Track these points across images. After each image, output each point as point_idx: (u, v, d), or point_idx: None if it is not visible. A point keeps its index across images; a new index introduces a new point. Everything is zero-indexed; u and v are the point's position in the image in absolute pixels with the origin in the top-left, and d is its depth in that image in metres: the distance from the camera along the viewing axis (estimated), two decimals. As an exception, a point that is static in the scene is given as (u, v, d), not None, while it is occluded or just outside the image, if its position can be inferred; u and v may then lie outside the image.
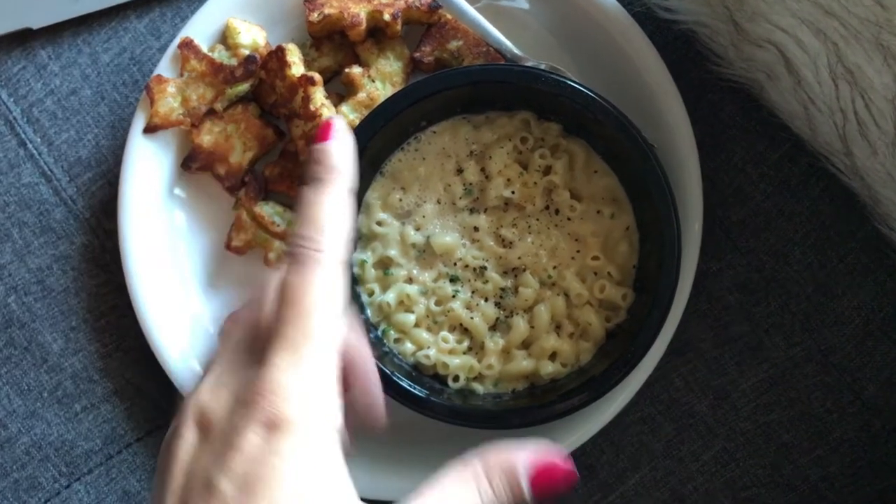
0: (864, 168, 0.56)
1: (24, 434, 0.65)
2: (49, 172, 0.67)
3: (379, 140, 0.60)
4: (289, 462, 0.37)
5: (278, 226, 0.63)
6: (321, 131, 0.42)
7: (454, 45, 0.64)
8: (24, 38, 0.67)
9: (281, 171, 0.64)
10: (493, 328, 0.61)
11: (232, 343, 0.43)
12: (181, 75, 0.63)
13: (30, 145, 0.67)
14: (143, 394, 0.66)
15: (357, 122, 0.62)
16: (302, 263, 0.40)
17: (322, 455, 0.38)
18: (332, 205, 0.41)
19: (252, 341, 0.42)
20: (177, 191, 0.65)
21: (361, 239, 0.62)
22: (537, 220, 0.62)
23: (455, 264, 0.61)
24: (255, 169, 0.65)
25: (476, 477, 0.41)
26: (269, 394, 0.38)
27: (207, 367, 0.43)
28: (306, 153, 0.62)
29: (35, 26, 0.67)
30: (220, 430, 0.38)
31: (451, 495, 0.40)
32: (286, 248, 0.42)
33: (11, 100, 0.67)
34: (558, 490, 0.40)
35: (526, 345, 0.61)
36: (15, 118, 0.67)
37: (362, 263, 0.62)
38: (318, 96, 0.62)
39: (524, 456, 0.41)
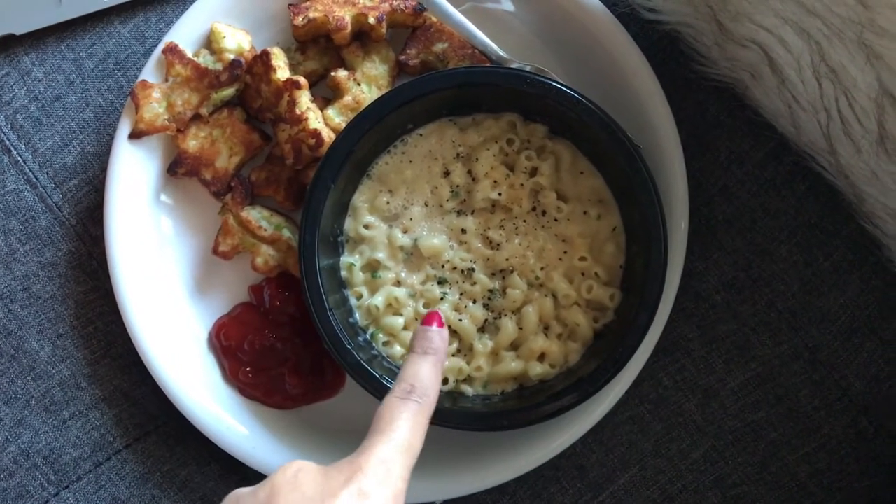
0: (849, 166, 0.56)
1: (12, 442, 0.65)
2: (34, 179, 0.66)
3: (365, 143, 0.60)
4: None
5: (265, 230, 0.63)
6: (428, 318, 0.55)
7: (439, 47, 0.64)
8: (7, 45, 0.67)
9: (267, 176, 0.64)
10: (482, 330, 0.61)
11: None
12: (166, 80, 0.63)
13: (14, 152, 0.66)
14: (132, 400, 0.66)
15: (343, 125, 0.61)
16: (402, 398, 0.50)
17: None
18: (432, 370, 0.53)
19: None
20: (163, 196, 0.64)
21: (349, 242, 0.62)
22: (524, 221, 0.62)
23: (443, 266, 0.61)
24: (242, 174, 0.64)
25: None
26: (365, 471, 0.46)
27: None
28: (292, 156, 0.62)
29: (18, 32, 0.66)
30: (315, 487, 0.45)
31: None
32: (392, 391, 0.52)
33: (-5, 106, 0.67)
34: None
35: (514, 346, 0.61)
36: (-1, 125, 0.67)
37: (350, 267, 0.62)
38: (304, 100, 0.62)
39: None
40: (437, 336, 0.54)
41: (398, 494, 0.47)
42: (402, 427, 0.49)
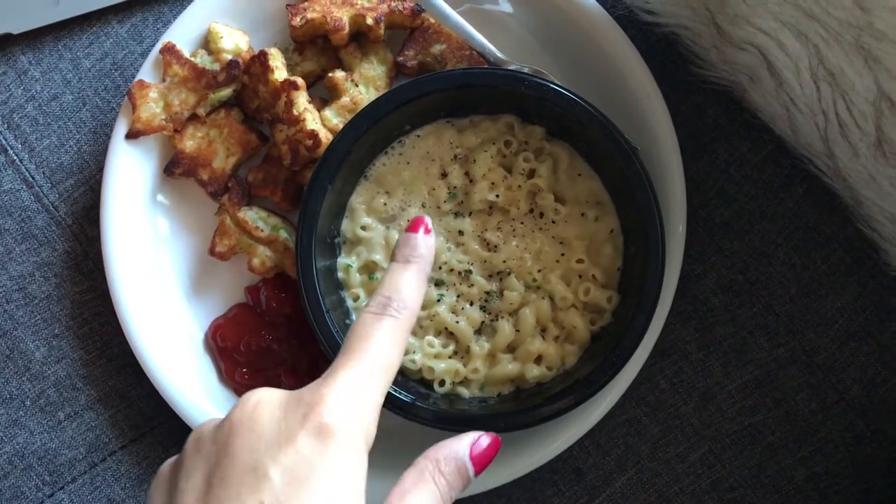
0: (846, 169, 0.56)
1: (7, 443, 0.65)
2: (30, 179, 0.66)
3: (363, 144, 0.60)
4: (330, 467, 0.42)
5: (262, 231, 0.63)
6: (413, 224, 0.52)
7: (437, 48, 0.64)
8: (4, 44, 0.67)
9: (264, 176, 0.64)
10: (479, 332, 0.61)
11: None
12: (163, 80, 0.63)
13: (10, 151, 0.66)
14: (128, 401, 0.65)
15: (340, 126, 0.61)
16: (377, 314, 0.47)
17: (356, 466, 0.43)
18: (413, 279, 0.50)
19: None
20: (160, 196, 0.64)
21: (346, 243, 0.62)
22: (522, 223, 0.62)
23: (440, 268, 0.61)
24: (239, 174, 0.64)
25: (430, 472, 0.47)
26: (327, 403, 0.43)
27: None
28: (289, 157, 0.62)
29: (15, 31, 0.66)
30: (272, 425, 0.42)
31: (413, 494, 0.46)
32: (367, 304, 0.48)
33: (-8, 106, 0.66)
34: (491, 457, 0.50)
35: (511, 348, 0.61)
36: (-5, 124, 0.66)
37: (347, 268, 0.62)
38: (301, 101, 0.61)
39: (463, 443, 0.49)
40: (423, 243, 0.51)
41: (368, 425, 0.43)
42: (375, 346, 0.45)
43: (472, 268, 0.61)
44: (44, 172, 0.66)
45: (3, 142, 0.66)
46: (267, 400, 0.43)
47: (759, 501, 0.64)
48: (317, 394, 0.43)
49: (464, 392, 0.61)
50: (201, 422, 0.61)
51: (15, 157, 0.66)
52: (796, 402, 0.64)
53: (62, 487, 0.65)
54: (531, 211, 0.62)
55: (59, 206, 0.66)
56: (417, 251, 0.51)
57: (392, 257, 0.51)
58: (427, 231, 0.51)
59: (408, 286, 0.49)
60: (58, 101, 0.67)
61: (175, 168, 0.63)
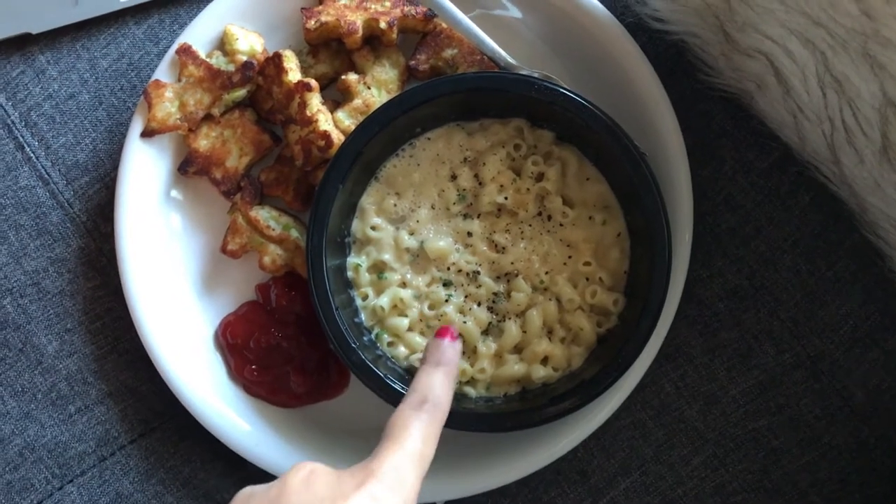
0: (852, 176, 0.57)
1: (18, 435, 0.65)
2: (46, 176, 0.67)
3: (374, 146, 0.61)
4: None
5: (273, 230, 0.63)
6: (443, 330, 0.56)
7: (449, 53, 0.65)
8: (23, 43, 0.68)
9: (277, 176, 0.65)
10: (486, 332, 0.62)
11: None
12: (179, 80, 0.64)
13: (27, 148, 0.67)
14: (138, 396, 0.66)
15: (353, 127, 0.62)
16: (414, 409, 0.51)
17: None
18: (444, 382, 0.53)
19: None
20: (173, 194, 0.65)
21: (356, 243, 0.63)
22: (530, 225, 0.62)
23: (448, 269, 0.62)
24: (251, 174, 0.65)
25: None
26: (378, 476, 0.46)
27: None
28: (301, 157, 0.63)
29: (35, 31, 0.67)
30: (327, 489, 0.46)
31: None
32: (404, 401, 0.52)
33: (10, 104, 0.68)
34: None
35: (518, 349, 0.62)
36: (13, 122, 0.67)
37: (356, 267, 0.62)
38: (315, 102, 0.62)
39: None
40: (451, 349, 0.55)
41: (412, 500, 0.47)
42: (415, 436, 0.49)
43: (480, 269, 0.62)
44: (59, 170, 0.67)
45: (21, 139, 0.67)
46: (320, 470, 0.47)
47: (763, 506, 0.64)
48: (368, 468, 0.47)
49: (470, 391, 0.61)
50: (210, 418, 0.63)
51: (31, 155, 0.67)
52: (800, 408, 0.64)
53: (71, 480, 0.65)
54: (539, 214, 0.62)
55: (73, 203, 0.67)
56: (447, 356, 0.54)
57: (423, 360, 0.55)
58: (453, 338, 0.55)
59: (440, 387, 0.52)
60: (75, 100, 0.68)
61: (189, 167, 0.64)
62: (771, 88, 0.59)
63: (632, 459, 0.65)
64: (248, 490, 0.47)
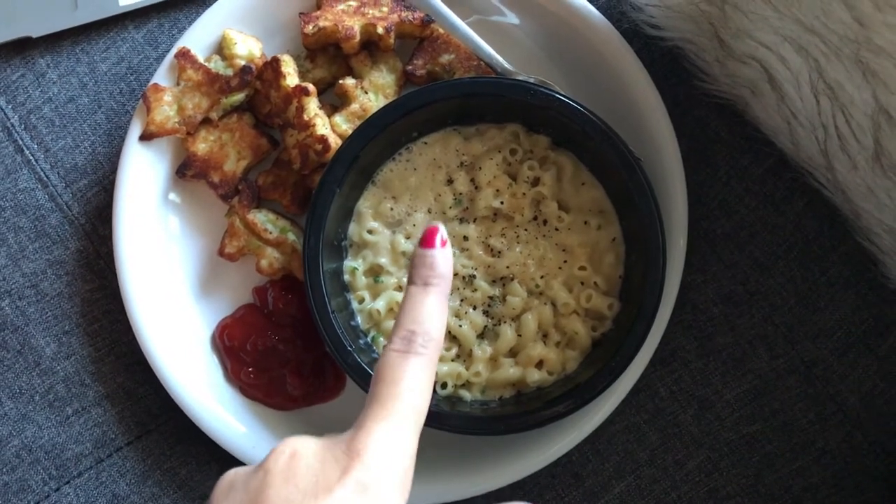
0: (845, 182, 0.57)
1: (15, 437, 0.66)
2: (45, 178, 0.68)
3: (371, 150, 0.61)
4: None
5: (271, 233, 0.64)
6: (428, 238, 0.47)
7: (446, 58, 0.65)
8: (23, 47, 0.68)
9: (274, 180, 0.65)
10: (481, 336, 0.62)
11: None
12: (178, 84, 0.64)
13: (27, 151, 0.68)
14: (135, 398, 0.66)
15: (350, 132, 0.63)
16: (402, 351, 0.45)
17: None
18: (435, 306, 0.46)
19: None
20: (171, 197, 0.66)
21: (352, 247, 0.63)
22: (525, 230, 0.63)
23: (444, 273, 0.62)
24: (249, 177, 0.66)
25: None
26: (363, 459, 0.42)
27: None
28: (299, 161, 0.63)
29: (35, 35, 0.68)
30: (309, 478, 0.42)
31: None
32: (390, 340, 0.46)
33: (10, 106, 0.68)
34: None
35: (513, 353, 0.62)
36: (13, 125, 0.68)
37: (353, 271, 0.63)
38: (312, 107, 0.63)
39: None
40: (441, 260, 0.47)
41: (405, 474, 0.43)
42: (405, 390, 0.44)
43: (475, 273, 0.62)
44: (58, 172, 0.68)
45: (20, 142, 0.68)
46: (303, 451, 0.43)
47: (756, 510, 0.65)
48: (354, 448, 0.43)
49: (465, 395, 0.62)
50: (207, 420, 0.63)
51: (31, 157, 0.68)
52: (794, 413, 0.65)
53: (68, 482, 0.66)
54: (535, 218, 0.63)
55: (72, 206, 0.67)
56: (436, 270, 0.47)
57: (409, 279, 0.47)
58: (444, 244, 0.48)
59: (430, 315, 0.46)
60: (74, 104, 0.68)
61: (187, 170, 0.64)
62: (765, 95, 0.59)
63: (626, 463, 0.65)
64: (230, 478, 0.44)
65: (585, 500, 0.65)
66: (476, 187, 0.63)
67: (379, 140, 0.61)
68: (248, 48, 0.64)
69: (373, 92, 0.65)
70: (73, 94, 0.68)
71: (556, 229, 0.62)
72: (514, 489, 0.65)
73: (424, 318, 0.46)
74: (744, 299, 0.65)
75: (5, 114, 0.68)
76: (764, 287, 0.65)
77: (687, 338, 0.65)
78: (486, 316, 0.62)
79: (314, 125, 0.62)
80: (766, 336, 0.65)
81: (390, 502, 0.42)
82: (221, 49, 0.65)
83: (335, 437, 0.44)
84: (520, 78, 0.63)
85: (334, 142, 0.63)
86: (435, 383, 0.61)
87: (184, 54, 0.64)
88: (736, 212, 0.65)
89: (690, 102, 0.65)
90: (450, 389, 0.61)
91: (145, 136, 0.64)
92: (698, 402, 0.65)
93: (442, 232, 0.48)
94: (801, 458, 0.64)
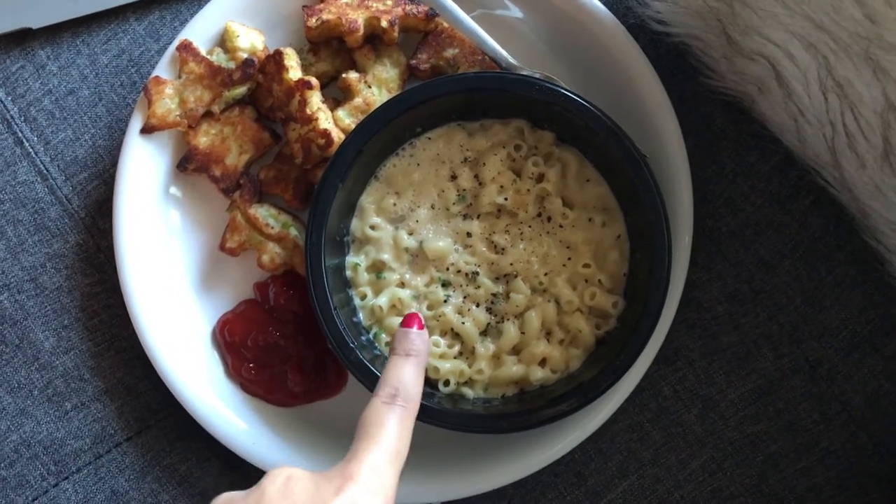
0: (853, 180, 0.57)
1: (14, 432, 0.65)
2: (45, 171, 0.67)
3: (374, 145, 0.60)
4: None
5: (272, 228, 0.63)
6: (408, 320, 0.56)
7: (450, 52, 0.64)
8: (23, 38, 0.68)
9: (276, 174, 0.65)
10: (484, 333, 0.62)
11: None
12: (179, 77, 0.64)
13: (26, 144, 0.67)
14: (134, 393, 0.66)
15: (353, 126, 0.62)
16: (387, 403, 0.51)
17: None
18: (414, 372, 0.53)
19: None
20: (172, 191, 0.65)
21: (355, 242, 0.63)
22: (529, 226, 0.62)
23: (447, 269, 0.62)
24: (251, 171, 0.65)
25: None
26: (357, 479, 0.46)
27: None
28: (301, 155, 0.63)
29: (35, 26, 0.67)
30: (305, 497, 0.45)
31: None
32: (377, 390, 0.52)
33: (9, 98, 0.67)
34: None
35: (516, 350, 0.61)
36: (12, 116, 0.67)
37: (355, 267, 0.62)
38: (315, 100, 0.62)
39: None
40: (418, 338, 0.55)
41: (390, 500, 0.47)
42: (390, 433, 0.49)
43: (479, 270, 0.62)
44: (58, 165, 0.67)
45: (20, 134, 0.67)
46: (297, 475, 0.46)
47: (760, 510, 0.64)
48: (346, 472, 0.46)
49: (468, 392, 0.61)
50: (207, 416, 0.62)
51: (30, 150, 0.67)
52: (799, 413, 0.64)
53: (67, 477, 0.65)
54: (539, 215, 0.62)
55: (72, 199, 0.67)
56: (415, 346, 0.54)
57: (391, 350, 0.55)
58: (420, 327, 0.56)
59: (410, 379, 0.52)
60: (74, 96, 0.67)
61: (188, 164, 0.64)
62: (772, 92, 0.58)
63: (629, 462, 0.65)
64: (226, 498, 0.46)
65: (588, 499, 0.65)
66: (480, 183, 0.62)
67: (382, 135, 0.60)
68: (251, 41, 0.64)
69: (376, 86, 0.64)
70: (73, 87, 0.67)
71: (561, 226, 0.62)
72: (516, 487, 0.65)
73: (406, 380, 0.52)
74: (749, 298, 0.64)
75: (5, 106, 0.67)
76: (769, 286, 0.64)
77: (691, 336, 0.65)
78: (490, 313, 0.62)
79: (317, 119, 0.62)
80: (771, 335, 0.64)
81: None
82: (224, 42, 0.64)
83: (329, 470, 0.48)
84: (524, 73, 0.63)
85: (337, 136, 0.62)
86: (437, 381, 0.61)
87: (186, 47, 0.63)
88: (741, 210, 0.65)
89: (696, 99, 0.65)
90: (452, 387, 0.61)
91: (146, 130, 0.63)
92: (702, 402, 0.65)
93: (420, 318, 0.56)
94: (805, 459, 0.64)
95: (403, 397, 0.51)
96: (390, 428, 0.49)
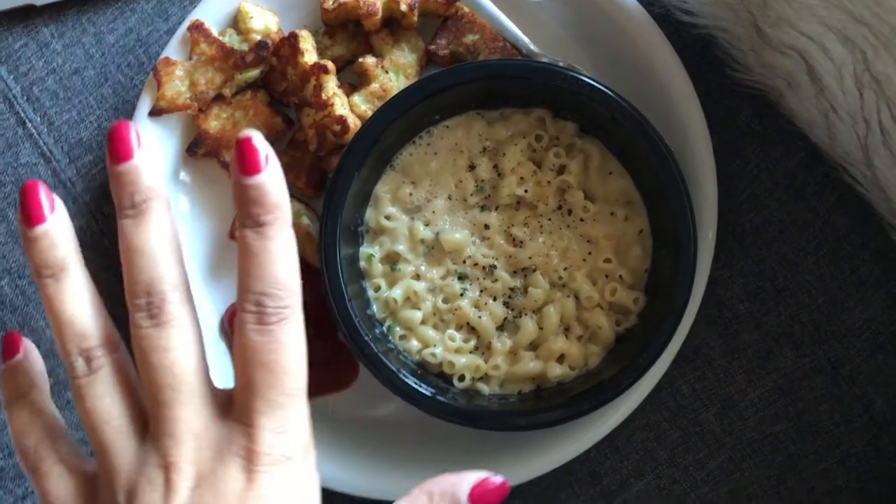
0: (885, 179, 0.55)
1: (13, 421, 0.63)
2: (48, 153, 0.65)
3: (391, 133, 0.59)
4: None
5: (284, 216, 0.61)
6: (245, 158, 0.39)
7: (470, 38, 0.63)
8: (26, 15, 0.65)
9: (289, 161, 0.63)
10: (501, 328, 0.60)
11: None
12: (190, 59, 0.62)
13: (29, 124, 0.65)
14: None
15: (369, 113, 0.60)
16: (266, 324, 0.41)
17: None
18: (282, 251, 0.41)
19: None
20: (181, 177, 0.63)
21: (369, 233, 0.61)
22: (549, 219, 0.60)
23: (464, 262, 0.60)
24: (262, 157, 0.63)
25: None
26: (265, 457, 0.41)
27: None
28: (315, 142, 0.61)
29: (38, 3, 0.65)
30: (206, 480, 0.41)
31: None
32: (241, 307, 0.42)
33: (11, 77, 0.65)
34: (493, 501, 0.45)
35: (534, 346, 0.60)
36: (14, 96, 0.65)
37: (369, 258, 0.61)
38: (331, 85, 0.60)
39: (464, 482, 0.45)
40: (271, 185, 0.41)
41: (302, 443, 0.44)
42: (280, 369, 0.43)
43: (496, 263, 0.60)
44: (62, 147, 0.65)
45: (22, 114, 0.65)
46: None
47: (778, 512, 0.63)
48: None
49: (483, 388, 0.60)
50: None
51: (33, 131, 0.65)
52: (819, 414, 0.63)
53: (68, 469, 0.63)
54: (559, 208, 0.61)
55: (76, 183, 0.65)
56: (268, 202, 0.41)
57: (241, 224, 0.43)
58: (268, 160, 0.41)
59: (276, 265, 0.43)
60: (79, 76, 0.65)
61: (198, 148, 0.62)
62: (802, 87, 0.57)
63: (645, 462, 0.64)
64: None
65: (602, 499, 0.64)
66: (499, 174, 0.61)
67: (399, 123, 0.58)
68: (265, 22, 0.62)
69: (393, 71, 0.62)
70: (78, 66, 0.65)
71: (581, 220, 0.60)
72: (529, 486, 0.63)
73: (271, 273, 0.41)
74: (771, 296, 0.63)
75: (7, 84, 0.65)
76: (792, 284, 0.63)
77: (711, 335, 0.63)
78: (507, 308, 0.60)
79: (332, 105, 0.60)
80: (793, 334, 0.63)
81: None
82: (236, 23, 0.62)
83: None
84: (546, 61, 0.61)
85: (353, 122, 0.60)
86: (452, 376, 0.59)
87: (197, 27, 0.61)
88: (765, 206, 0.63)
89: (721, 92, 0.63)
90: (467, 382, 0.59)
91: (155, 112, 0.61)
92: (721, 401, 0.63)
93: (261, 144, 0.40)
94: (825, 461, 0.63)
95: (278, 301, 0.41)
96: (280, 363, 0.41)
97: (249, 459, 0.41)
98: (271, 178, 0.40)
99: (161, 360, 0.41)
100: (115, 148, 0.41)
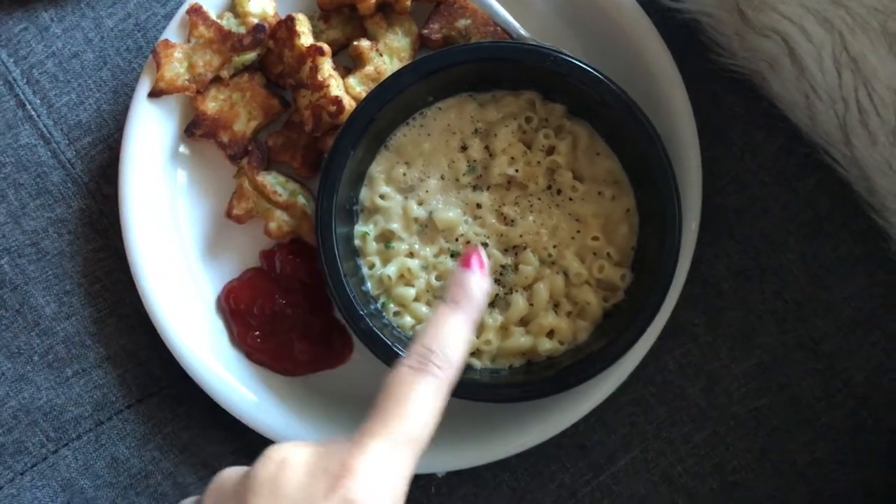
0: (863, 158, 0.57)
1: (12, 398, 0.64)
2: (48, 134, 0.66)
3: (385, 114, 0.60)
4: None
5: (280, 195, 0.63)
6: (468, 258, 0.45)
7: (462, 23, 0.64)
8: (26, 0, 0.67)
9: (285, 142, 0.64)
10: (493, 305, 0.62)
11: None
12: (188, 41, 0.63)
13: (29, 106, 0.66)
14: (136, 360, 0.65)
15: (364, 94, 0.62)
16: (416, 369, 0.43)
17: None
18: (460, 329, 0.44)
19: None
20: (179, 157, 0.64)
21: (364, 211, 0.63)
22: (539, 199, 0.62)
23: (457, 240, 0.62)
24: (259, 138, 0.64)
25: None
26: (355, 477, 0.40)
27: None
28: (311, 123, 0.62)
29: (39, -13, 0.66)
30: (295, 492, 0.40)
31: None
32: (407, 355, 0.43)
33: (11, 60, 0.66)
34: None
35: (524, 322, 0.62)
36: (14, 79, 0.66)
37: (364, 236, 0.62)
38: (326, 67, 0.62)
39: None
40: (477, 286, 0.44)
41: (395, 498, 0.40)
42: (412, 412, 0.41)
43: (488, 241, 0.62)
44: (62, 129, 0.66)
45: (22, 96, 0.66)
46: (292, 462, 0.40)
47: (761, 484, 0.65)
48: (346, 464, 0.40)
49: (475, 363, 0.61)
50: (211, 383, 0.62)
51: (33, 113, 0.66)
52: (801, 388, 0.65)
53: (66, 444, 0.64)
54: (549, 187, 0.62)
55: (75, 164, 0.66)
56: (470, 293, 0.45)
57: (443, 296, 0.45)
58: (481, 266, 0.45)
59: (454, 336, 0.43)
60: (78, 59, 0.66)
61: (196, 129, 0.63)
62: (784, 69, 0.59)
63: (632, 436, 0.65)
64: (221, 479, 0.43)
65: (590, 472, 0.65)
66: (490, 155, 0.62)
67: (393, 104, 0.60)
68: (262, 6, 0.63)
69: (388, 55, 0.64)
70: (77, 50, 0.66)
71: (570, 199, 0.62)
72: (520, 459, 0.65)
73: (447, 338, 0.43)
74: (754, 275, 0.65)
75: (7, 67, 0.66)
76: (775, 263, 0.65)
77: (696, 312, 0.65)
78: (498, 284, 0.62)
79: (328, 86, 0.61)
80: (776, 312, 0.65)
81: None
82: (234, 6, 0.63)
83: (332, 444, 0.41)
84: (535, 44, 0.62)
85: (348, 104, 0.62)
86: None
87: (196, 10, 0.63)
88: (748, 187, 0.65)
89: (706, 77, 0.65)
90: (459, 357, 0.61)
91: (154, 93, 0.63)
92: (706, 376, 0.65)
93: (483, 257, 0.45)
94: (806, 433, 0.65)
95: (440, 361, 0.42)
96: (413, 403, 0.41)
97: (339, 476, 0.41)
98: (478, 281, 0.45)
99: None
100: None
